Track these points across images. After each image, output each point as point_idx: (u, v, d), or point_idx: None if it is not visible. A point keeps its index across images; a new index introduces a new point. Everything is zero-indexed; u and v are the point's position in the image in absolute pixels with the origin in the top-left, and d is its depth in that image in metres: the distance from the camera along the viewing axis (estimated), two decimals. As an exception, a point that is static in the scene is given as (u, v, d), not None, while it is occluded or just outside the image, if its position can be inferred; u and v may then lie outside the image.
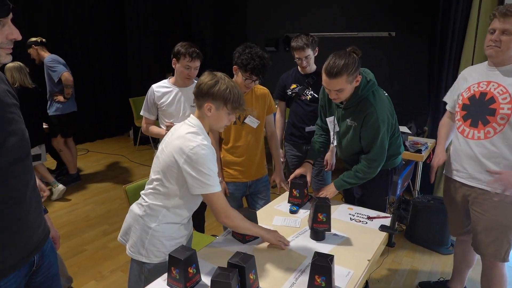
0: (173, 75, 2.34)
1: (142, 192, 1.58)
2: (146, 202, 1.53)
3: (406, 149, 3.09)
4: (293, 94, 2.71)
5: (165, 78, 2.37)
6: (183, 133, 1.44)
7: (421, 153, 3.03)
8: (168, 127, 2.16)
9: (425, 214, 2.91)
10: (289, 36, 5.77)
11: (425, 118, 3.98)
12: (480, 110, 1.82)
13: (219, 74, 1.49)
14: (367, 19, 4.98)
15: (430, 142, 3.30)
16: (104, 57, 5.94)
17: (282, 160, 2.64)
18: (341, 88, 1.74)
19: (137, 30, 5.73)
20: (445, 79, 3.50)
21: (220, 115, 1.48)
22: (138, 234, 1.52)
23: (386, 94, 1.98)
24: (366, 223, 1.83)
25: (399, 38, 4.78)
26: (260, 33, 6.02)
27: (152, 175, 1.53)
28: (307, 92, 2.67)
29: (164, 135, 2.20)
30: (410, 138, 3.37)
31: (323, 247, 1.59)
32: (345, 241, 1.65)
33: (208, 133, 1.53)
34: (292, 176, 2.07)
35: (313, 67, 2.67)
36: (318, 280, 1.25)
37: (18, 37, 1.03)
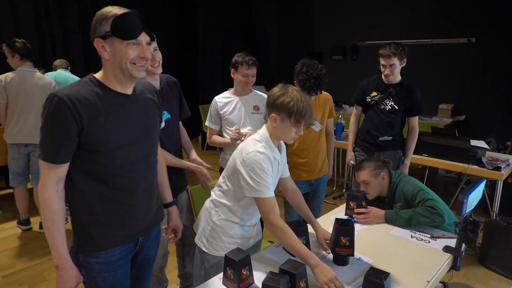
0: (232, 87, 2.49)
1: (213, 188, 1.72)
2: (213, 197, 1.68)
3: (483, 165, 2.85)
4: (372, 102, 2.73)
5: (227, 90, 2.52)
6: (248, 139, 1.56)
7: (501, 170, 2.77)
8: (234, 135, 2.30)
9: (502, 238, 2.65)
10: (356, 45, 5.66)
11: (509, 132, 3.62)
12: None
13: (291, 87, 1.52)
14: (442, 25, 4.68)
15: (512, 159, 3.00)
16: (176, 65, 6.39)
17: (353, 162, 2.91)
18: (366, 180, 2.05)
19: (207, 42, 6.09)
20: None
21: (285, 127, 1.51)
22: (203, 225, 1.68)
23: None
24: (429, 242, 1.74)
25: (479, 44, 4.41)
26: (327, 42, 5.99)
27: (222, 173, 1.66)
28: (387, 102, 2.68)
29: (227, 143, 2.36)
30: (488, 153, 3.09)
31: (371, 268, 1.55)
32: (403, 260, 1.59)
33: (279, 145, 1.62)
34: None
35: (397, 78, 2.69)
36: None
37: (148, 56, 1.24)
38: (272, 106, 1.51)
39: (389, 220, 1.91)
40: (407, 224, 1.86)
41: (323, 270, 1.35)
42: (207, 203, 1.72)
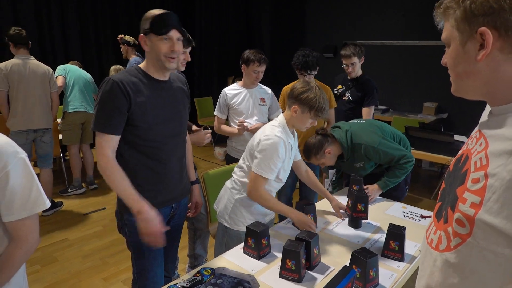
0: (235, 78, 2.69)
1: (234, 170, 1.91)
2: (234, 178, 1.86)
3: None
4: (338, 94, 3.18)
5: (226, 82, 2.72)
6: (267, 124, 1.77)
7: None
8: (240, 125, 2.49)
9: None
10: (347, 44, 5.90)
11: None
12: None
13: (313, 83, 1.72)
14: (429, 27, 4.96)
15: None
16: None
17: None
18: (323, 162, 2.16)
19: (203, 37, 6.21)
20: None
21: (303, 118, 1.72)
22: (225, 203, 1.86)
23: (358, 121, 2.32)
24: (419, 220, 1.97)
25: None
26: (319, 40, 6.21)
27: (243, 155, 1.85)
28: (347, 94, 3.14)
29: (235, 133, 2.55)
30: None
31: (376, 235, 1.76)
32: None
33: (293, 131, 1.82)
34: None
35: (358, 73, 3.09)
36: (393, 245, 1.53)
37: (176, 49, 1.44)
38: (296, 99, 1.70)
39: (385, 188, 2.16)
40: (395, 184, 2.15)
41: (301, 218, 1.72)
42: (228, 183, 1.90)
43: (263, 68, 2.54)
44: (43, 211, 3.44)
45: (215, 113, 2.69)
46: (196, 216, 2.12)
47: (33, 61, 3.21)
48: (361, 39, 5.59)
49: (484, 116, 0.83)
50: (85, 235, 3.15)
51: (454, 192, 0.77)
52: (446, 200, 0.82)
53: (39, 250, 2.88)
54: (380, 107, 5.55)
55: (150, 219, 1.40)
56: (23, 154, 1.05)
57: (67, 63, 4.14)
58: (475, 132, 0.82)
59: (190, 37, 2.08)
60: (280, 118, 1.77)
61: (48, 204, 1.10)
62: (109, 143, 1.41)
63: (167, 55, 1.44)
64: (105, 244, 3.00)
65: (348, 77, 3.13)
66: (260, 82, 2.68)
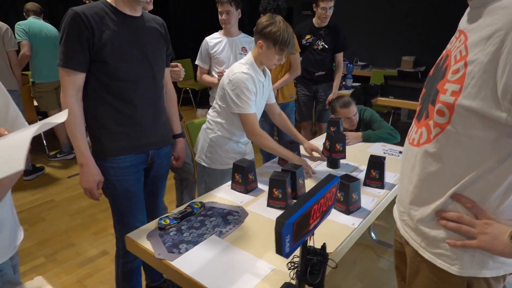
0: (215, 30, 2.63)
1: (208, 111, 1.93)
2: (208, 117, 1.89)
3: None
4: (307, 44, 3.19)
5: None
6: (235, 63, 1.77)
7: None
8: (220, 75, 2.47)
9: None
10: None
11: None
12: None
13: (278, 17, 1.70)
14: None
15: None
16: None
17: (294, 96, 3.18)
18: None
19: (177, 8, 5.97)
20: None
21: (269, 54, 1.71)
22: (202, 143, 1.90)
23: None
24: (398, 155, 2.06)
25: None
26: (297, -4, 6.08)
27: (216, 96, 1.86)
28: (319, 42, 3.17)
29: (216, 83, 2.52)
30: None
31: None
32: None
33: (264, 70, 1.80)
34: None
35: (327, 21, 3.14)
36: (373, 173, 1.60)
37: None
38: (260, 34, 1.68)
39: (366, 138, 2.26)
40: (375, 140, 2.27)
41: (299, 160, 1.76)
42: (204, 125, 1.93)
43: (226, 8, 2.44)
44: (25, 176, 3.39)
45: (197, 62, 2.66)
46: (182, 166, 2.13)
47: None
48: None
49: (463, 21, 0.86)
50: (70, 196, 3.15)
51: (435, 89, 0.82)
52: (426, 101, 0.87)
53: (25, 211, 2.87)
54: (359, 63, 5.59)
55: (89, 175, 1.42)
56: None
57: (26, 12, 3.62)
58: (454, 36, 0.86)
59: None
60: (248, 56, 1.77)
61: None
62: (73, 81, 1.36)
63: None
64: (93, 203, 3.00)
65: (316, 26, 3.16)
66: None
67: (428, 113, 0.84)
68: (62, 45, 1.34)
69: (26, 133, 0.61)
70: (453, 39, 0.86)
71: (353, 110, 2.35)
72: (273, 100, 2.02)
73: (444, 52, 0.88)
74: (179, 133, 1.82)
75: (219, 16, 2.49)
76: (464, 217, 0.78)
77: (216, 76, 2.55)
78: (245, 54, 2.60)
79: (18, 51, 3.36)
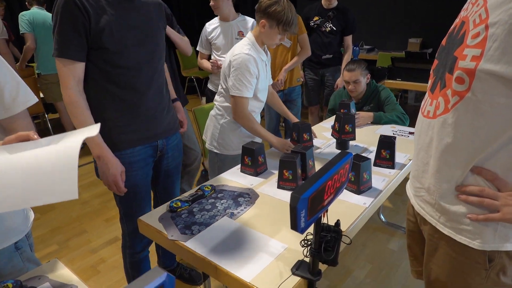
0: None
1: (215, 97, 1.89)
2: (216, 104, 1.86)
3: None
4: (315, 26, 3.13)
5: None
6: (238, 43, 1.74)
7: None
8: (213, 64, 2.46)
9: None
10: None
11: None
12: None
13: None
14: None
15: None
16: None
17: (302, 80, 3.17)
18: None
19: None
20: None
21: (272, 34, 1.66)
22: (212, 130, 1.87)
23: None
24: (408, 136, 2.04)
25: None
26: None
27: (220, 79, 1.83)
28: (327, 24, 3.11)
29: (210, 71, 2.51)
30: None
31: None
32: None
33: (265, 49, 1.77)
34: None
35: (335, 3, 3.09)
36: (384, 153, 1.58)
37: None
38: (263, 12, 1.63)
39: (377, 119, 2.23)
40: (385, 122, 2.26)
41: (280, 141, 1.77)
42: (212, 111, 1.90)
43: None
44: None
45: (198, 48, 2.64)
46: (184, 151, 2.08)
47: None
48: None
49: None
50: (81, 185, 3.18)
51: (452, 56, 0.78)
52: (441, 71, 0.84)
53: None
54: (365, 46, 5.50)
55: (111, 166, 1.33)
56: None
57: (28, 1, 3.56)
58: (469, 2, 0.82)
59: None
60: (249, 36, 1.73)
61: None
62: (72, 72, 1.26)
63: None
64: (103, 190, 3.04)
65: (325, 7, 3.10)
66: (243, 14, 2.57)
67: (445, 82, 0.80)
68: (56, 33, 1.23)
69: (70, 152, 0.60)
70: (467, 5, 0.82)
71: (355, 76, 2.32)
72: (270, 81, 2.01)
73: (457, 20, 0.85)
74: (174, 98, 1.72)
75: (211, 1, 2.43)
76: (486, 190, 0.76)
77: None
78: (242, 39, 2.58)
79: (11, 42, 3.31)
